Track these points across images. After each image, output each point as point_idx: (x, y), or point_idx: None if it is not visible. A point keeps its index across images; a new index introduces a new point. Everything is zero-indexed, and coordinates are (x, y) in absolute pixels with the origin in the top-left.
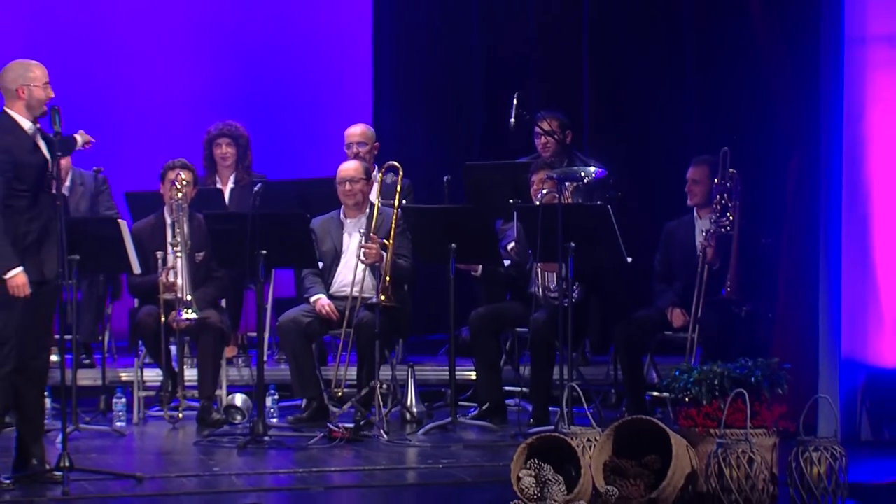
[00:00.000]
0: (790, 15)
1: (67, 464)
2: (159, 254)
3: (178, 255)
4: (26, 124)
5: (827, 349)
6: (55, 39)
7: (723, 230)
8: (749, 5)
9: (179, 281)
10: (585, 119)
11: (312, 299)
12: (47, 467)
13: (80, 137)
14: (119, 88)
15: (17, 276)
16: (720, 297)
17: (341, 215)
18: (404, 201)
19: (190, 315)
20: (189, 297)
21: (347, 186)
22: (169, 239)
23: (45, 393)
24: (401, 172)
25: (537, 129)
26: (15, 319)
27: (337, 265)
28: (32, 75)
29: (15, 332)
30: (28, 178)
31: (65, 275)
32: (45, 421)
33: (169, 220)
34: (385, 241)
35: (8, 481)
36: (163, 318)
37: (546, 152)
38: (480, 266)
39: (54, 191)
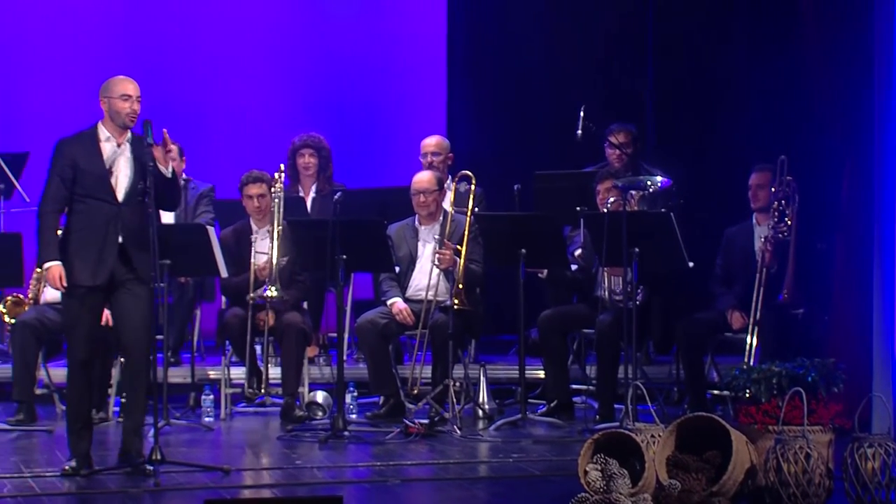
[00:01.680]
0: (844, 26)
1: (159, 456)
2: (254, 249)
3: (274, 235)
4: (103, 135)
5: (880, 349)
6: (147, 54)
7: (780, 236)
8: (804, 18)
9: (266, 260)
10: (649, 129)
11: (389, 302)
12: (141, 460)
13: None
14: (204, 102)
15: (52, 269)
16: (777, 303)
17: (416, 223)
18: (477, 209)
19: (273, 292)
20: (274, 274)
21: (421, 198)
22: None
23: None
24: (473, 181)
25: (609, 142)
26: (81, 311)
27: (412, 270)
28: (113, 87)
29: (83, 326)
30: (84, 184)
31: (156, 279)
32: None
33: (254, 227)
34: (458, 247)
35: (70, 464)
36: (249, 319)
37: (618, 164)
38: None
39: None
